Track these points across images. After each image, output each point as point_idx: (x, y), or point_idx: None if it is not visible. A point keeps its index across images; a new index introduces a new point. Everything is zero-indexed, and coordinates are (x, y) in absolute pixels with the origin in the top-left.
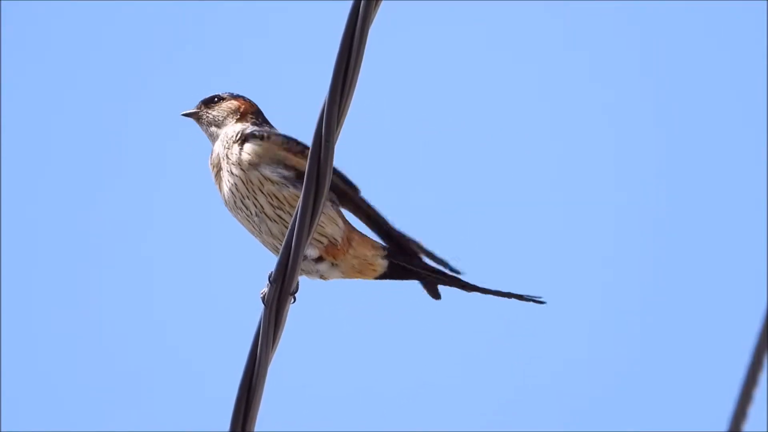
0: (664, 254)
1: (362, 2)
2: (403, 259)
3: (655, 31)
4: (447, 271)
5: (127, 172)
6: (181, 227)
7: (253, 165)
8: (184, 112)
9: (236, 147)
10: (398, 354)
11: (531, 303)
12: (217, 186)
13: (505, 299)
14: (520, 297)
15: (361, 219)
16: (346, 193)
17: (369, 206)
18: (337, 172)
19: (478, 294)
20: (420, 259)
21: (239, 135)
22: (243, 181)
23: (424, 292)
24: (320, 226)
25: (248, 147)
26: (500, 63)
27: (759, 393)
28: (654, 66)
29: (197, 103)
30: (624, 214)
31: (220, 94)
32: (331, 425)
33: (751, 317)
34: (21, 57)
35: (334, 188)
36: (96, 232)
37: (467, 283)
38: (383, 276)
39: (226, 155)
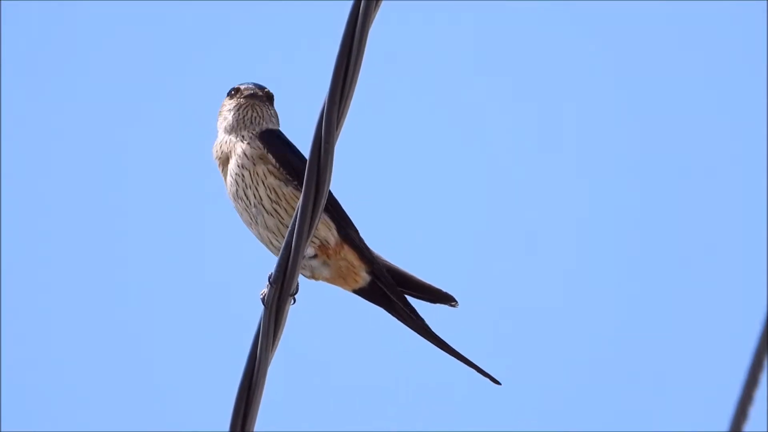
0: (665, 254)
1: (362, 2)
2: (386, 285)
3: (654, 31)
4: (418, 319)
5: (126, 173)
6: (180, 228)
7: (262, 159)
8: (268, 91)
9: (256, 142)
10: (399, 353)
11: (487, 378)
12: (221, 173)
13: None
14: (478, 369)
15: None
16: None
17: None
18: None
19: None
20: (401, 295)
21: (260, 131)
22: (250, 173)
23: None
24: None
25: (259, 145)
26: (500, 63)
27: (760, 393)
28: (653, 66)
29: (266, 90)
30: (625, 214)
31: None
32: (330, 425)
33: (751, 317)
34: (21, 57)
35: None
36: (95, 233)
37: (435, 335)
38: (362, 291)
39: (243, 150)
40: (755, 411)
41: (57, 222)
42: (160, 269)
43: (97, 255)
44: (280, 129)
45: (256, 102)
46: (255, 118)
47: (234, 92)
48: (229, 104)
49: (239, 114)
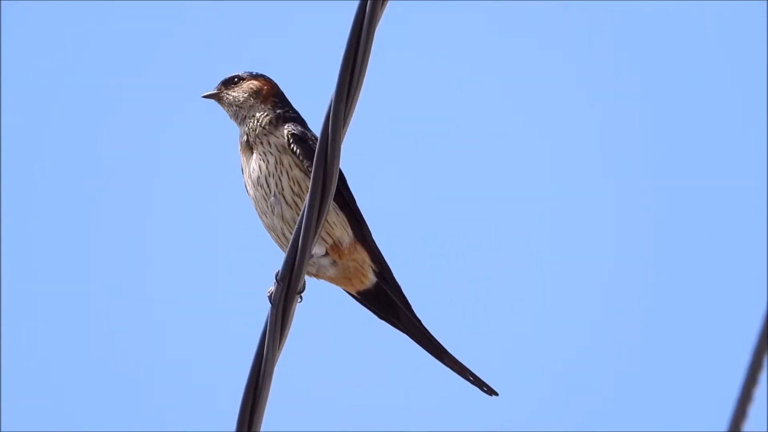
0: (665, 254)
1: (369, 1)
2: (391, 287)
3: (654, 31)
4: (421, 326)
5: (131, 170)
6: (188, 226)
7: (288, 151)
8: (205, 94)
9: (282, 130)
10: (404, 354)
11: (484, 389)
12: (244, 161)
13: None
14: (478, 380)
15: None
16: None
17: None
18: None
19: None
20: (406, 304)
21: (278, 119)
22: (276, 161)
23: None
24: (330, 226)
25: (288, 135)
26: (507, 60)
27: (759, 393)
28: (653, 67)
29: (217, 83)
30: (624, 213)
31: (240, 73)
32: (337, 425)
33: (751, 317)
34: (21, 57)
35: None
36: (101, 231)
37: (437, 343)
38: (367, 293)
39: (268, 139)
40: (755, 410)
41: (60, 221)
42: (167, 267)
43: (101, 253)
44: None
45: (216, 101)
46: (230, 110)
47: (238, 80)
48: (239, 93)
49: (227, 112)
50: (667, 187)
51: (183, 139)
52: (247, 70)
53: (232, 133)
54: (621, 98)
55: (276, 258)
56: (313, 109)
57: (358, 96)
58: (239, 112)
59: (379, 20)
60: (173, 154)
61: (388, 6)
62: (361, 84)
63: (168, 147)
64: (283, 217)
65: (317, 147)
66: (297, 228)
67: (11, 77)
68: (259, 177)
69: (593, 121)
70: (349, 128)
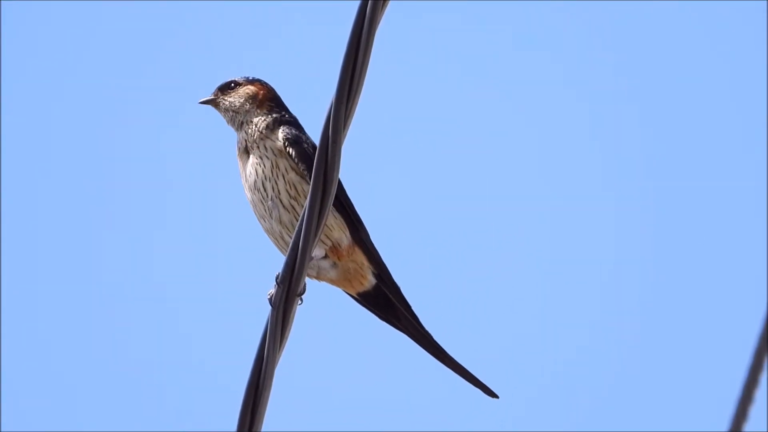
0: (665, 254)
1: (369, 2)
2: (391, 289)
3: (655, 31)
4: (421, 328)
5: (133, 172)
6: (188, 228)
7: (284, 154)
8: (202, 100)
9: (278, 133)
10: (405, 354)
11: (484, 391)
12: (241, 166)
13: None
14: (477, 383)
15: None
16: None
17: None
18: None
19: (440, 355)
20: (405, 301)
21: (275, 123)
22: (272, 165)
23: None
24: (328, 228)
25: (283, 138)
26: (507, 61)
27: (760, 393)
28: (653, 67)
29: (214, 89)
30: (623, 213)
31: (236, 79)
32: (337, 425)
33: (751, 317)
34: (21, 57)
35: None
36: (102, 233)
37: (437, 344)
38: (366, 295)
39: (264, 143)
40: (755, 411)
41: (59, 223)
42: (168, 269)
43: (102, 255)
44: (299, 122)
45: (213, 107)
46: (227, 115)
47: (234, 85)
48: (235, 98)
49: (224, 118)
50: (666, 187)
51: (182, 143)
52: (243, 75)
53: (231, 136)
54: (621, 98)
55: (276, 261)
56: (314, 111)
57: (358, 98)
58: (236, 117)
59: (379, 22)
60: (173, 157)
61: (389, 7)
62: (362, 86)
63: (168, 150)
64: (281, 221)
65: (318, 149)
66: (297, 230)
67: (11, 77)
68: (255, 181)
69: (593, 121)
70: (349, 130)
